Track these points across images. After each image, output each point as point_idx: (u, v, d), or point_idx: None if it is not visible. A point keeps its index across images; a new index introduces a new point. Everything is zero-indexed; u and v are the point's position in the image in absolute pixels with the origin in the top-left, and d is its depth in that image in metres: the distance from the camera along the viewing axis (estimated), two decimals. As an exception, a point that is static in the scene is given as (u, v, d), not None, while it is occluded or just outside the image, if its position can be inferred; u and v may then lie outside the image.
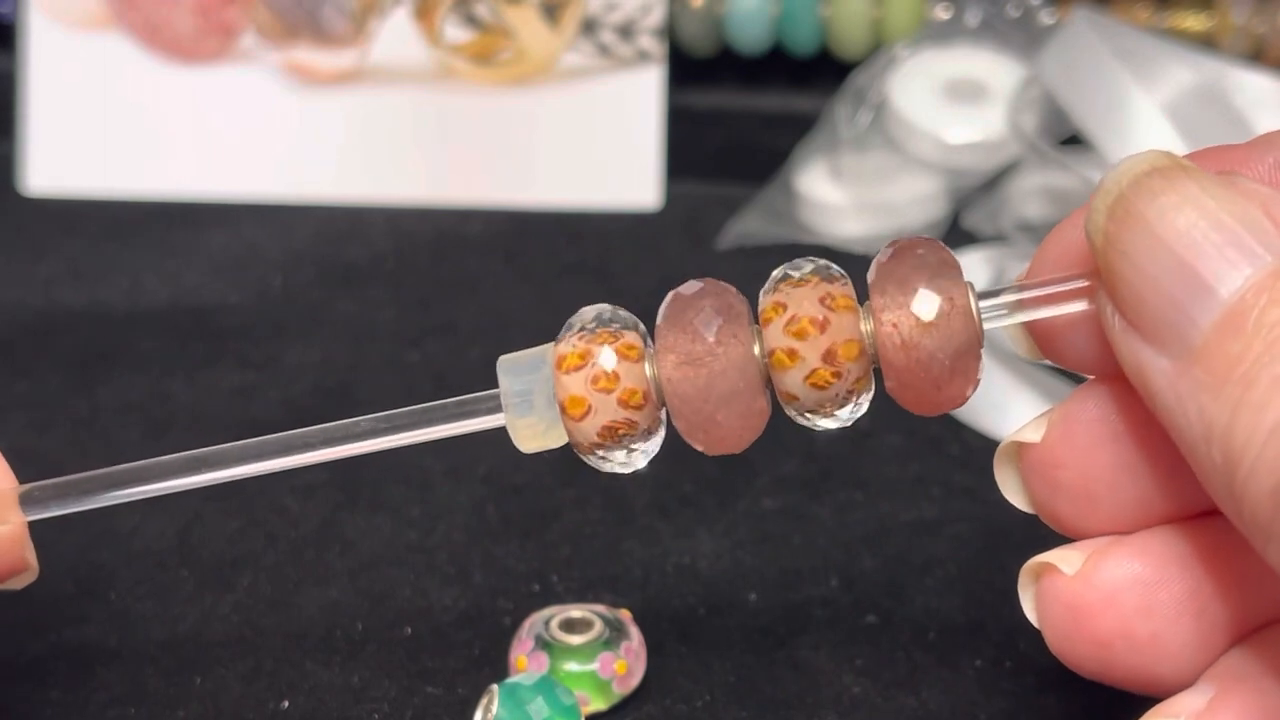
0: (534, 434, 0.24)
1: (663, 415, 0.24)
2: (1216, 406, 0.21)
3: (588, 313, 0.24)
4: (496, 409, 0.25)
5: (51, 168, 0.52)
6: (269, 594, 0.34)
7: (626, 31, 0.52)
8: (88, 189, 0.52)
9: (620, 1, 0.52)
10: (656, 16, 0.52)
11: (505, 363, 0.25)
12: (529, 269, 0.49)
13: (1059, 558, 0.25)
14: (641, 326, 0.24)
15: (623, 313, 0.24)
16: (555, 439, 0.24)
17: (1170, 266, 0.21)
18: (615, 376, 0.24)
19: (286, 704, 0.31)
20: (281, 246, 0.50)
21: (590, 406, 0.24)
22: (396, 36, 0.52)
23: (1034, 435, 0.25)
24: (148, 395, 0.42)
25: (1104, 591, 0.24)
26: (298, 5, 0.52)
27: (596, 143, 0.52)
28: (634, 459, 0.24)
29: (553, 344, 0.24)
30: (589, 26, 0.52)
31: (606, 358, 0.24)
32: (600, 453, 0.24)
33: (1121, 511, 0.25)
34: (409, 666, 0.32)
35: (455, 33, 0.52)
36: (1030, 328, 0.25)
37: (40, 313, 0.46)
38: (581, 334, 0.24)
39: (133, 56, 0.52)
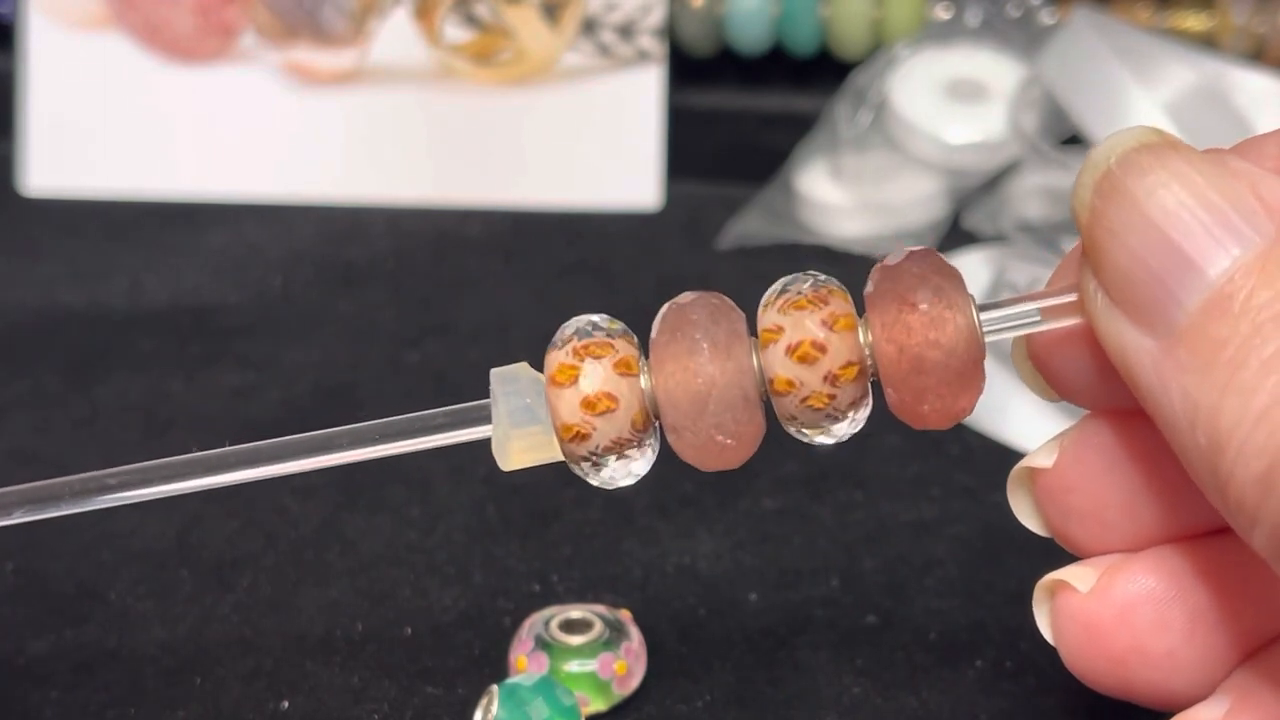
0: (526, 446, 0.24)
1: (655, 427, 0.24)
2: (1202, 389, 0.20)
3: (581, 320, 0.24)
4: (486, 419, 0.24)
5: (51, 168, 0.52)
6: (269, 594, 0.34)
7: (626, 31, 0.52)
8: (88, 189, 0.52)
9: (620, 1, 0.52)
10: (656, 16, 0.52)
11: (497, 376, 0.24)
12: (529, 269, 0.49)
13: (1073, 575, 0.25)
14: (634, 338, 0.24)
15: (616, 324, 0.24)
16: (548, 451, 0.24)
17: (1157, 245, 0.21)
18: (609, 389, 0.23)
19: (286, 704, 0.31)
20: (281, 246, 0.50)
21: (584, 416, 0.23)
22: (396, 36, 0.52)
23: (1046, 460, 0.25)
24: (147, 395, 0.42)
25: (1118, 608, 0.24)
26: (298, 5, 0.52)
27: (597, 143, 0.52)
28: (625, 470, 0.24)
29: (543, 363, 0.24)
30: (589, 26, 0.52)
31: (598, 368, 0.23)
32: (592, 461, 0.24)
33: (1134, 532, 0.25)
34: (409, 666, 0.32)
35: (455, 33, 0.52)
36: (1036, 362, 0.25)
37: (40, 313, 0.46)
38: (574, 340, 0.24)
39: (133, 56, 0.52)
